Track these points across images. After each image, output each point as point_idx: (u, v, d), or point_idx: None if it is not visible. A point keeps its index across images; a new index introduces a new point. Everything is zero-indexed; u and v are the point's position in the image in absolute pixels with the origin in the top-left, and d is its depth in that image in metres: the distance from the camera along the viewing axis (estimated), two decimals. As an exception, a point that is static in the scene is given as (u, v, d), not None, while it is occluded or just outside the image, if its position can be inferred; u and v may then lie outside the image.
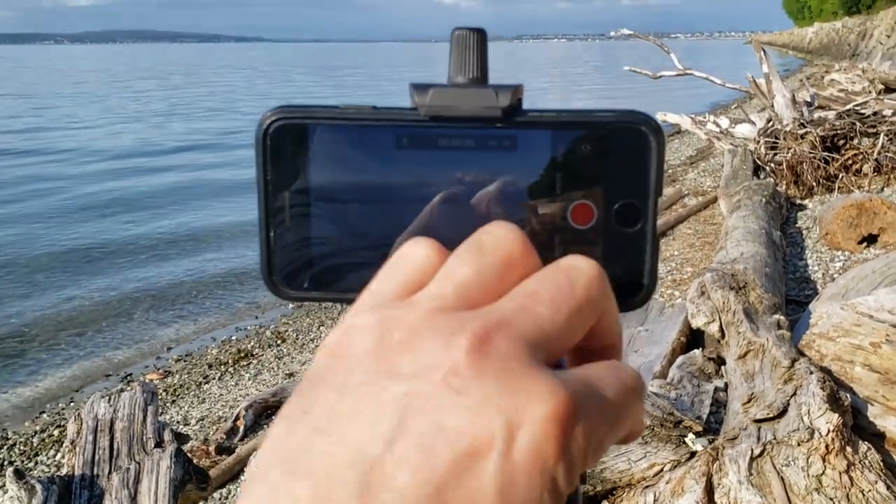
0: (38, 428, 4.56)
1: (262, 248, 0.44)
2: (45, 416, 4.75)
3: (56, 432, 4.42)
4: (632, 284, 0.44)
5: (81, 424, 2.85)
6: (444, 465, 0.25)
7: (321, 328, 5.78)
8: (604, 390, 0.30)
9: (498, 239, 0.34)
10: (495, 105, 0.42)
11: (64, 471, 2.78)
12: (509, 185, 0.43)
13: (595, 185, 0.43)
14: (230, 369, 5.21)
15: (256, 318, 6.30)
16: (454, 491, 0.25)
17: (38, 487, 2.51)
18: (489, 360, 0.27)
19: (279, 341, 5.63)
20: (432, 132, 0.43)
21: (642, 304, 0.44)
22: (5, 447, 4.33)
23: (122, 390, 3.05)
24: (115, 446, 2.75)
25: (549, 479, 0.26)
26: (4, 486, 2.74)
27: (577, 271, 0.34)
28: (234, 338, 5.83)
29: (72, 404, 4.80)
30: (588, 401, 0.28)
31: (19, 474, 2.57)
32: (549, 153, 0.43)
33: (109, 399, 2.95)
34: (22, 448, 4.32)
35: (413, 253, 0.34)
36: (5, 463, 4.10)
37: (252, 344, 5.63)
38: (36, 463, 4.15)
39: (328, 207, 0.44)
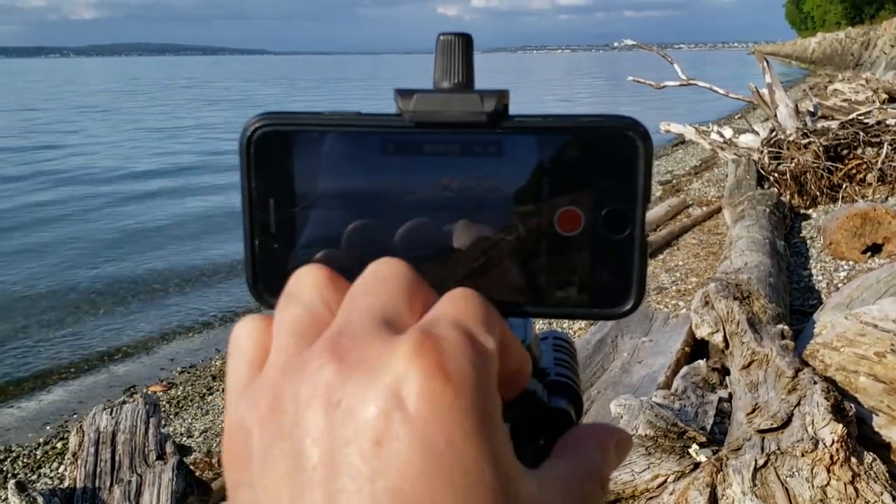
0: (41, 440, 4.55)
1: (246, 256, 0.44)
2: (48, 428, 4.75)
3: (59, 444, 4.41)
4: (620, 292, 0.44)
5: (83, 437, 2.85)
6: (364, 470, 0.26)
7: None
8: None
9: (307, 277, 0.36)
10: (480, 110, 0.41)
11: (66, 483, 2.78)
12: (494, 191, 0.43)
13: (582, 190, 0.42)
14: (234, 381, 5.19)
15: (260, 329, 6.29)
16: (385, 481, 0.25)
17: (40, 500, 2.50)
18: (345, 364, 0.28)
19: (283, 352, 5.62)
20: (418, 138, 0.42)
21: (631, 312, 0.44)
22: (8, 459, 4.33)
23: (124, 402, 3.05)
24: (117, 458, 2.75)
25: (465, 409, 0.26)
26: (7, 498, 2.73)
27: (382, 263, 0.36)
28: (237, 349, 5.82)
29: (75, 416, 4.79)
30: (437, 328, 0.30)
31: (21, 487, 2.57)
32: (535, 158, 0.42)
33: (111, 411, 2.94)
34: (25, 460, 4.31)
35: (240, 334, 0.36)
36: (8, 475, 4.09)
37: (256, 355, 5.62)
38: (39, 475, 4.14)
39: (313, 215, 0.44)
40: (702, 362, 3.36)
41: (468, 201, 0.43)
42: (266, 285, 0.44)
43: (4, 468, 4.23)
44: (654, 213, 7.68)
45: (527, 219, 0.43)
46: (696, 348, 3.76)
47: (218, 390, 5.06)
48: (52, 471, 4.17)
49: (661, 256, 6.42)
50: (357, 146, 0.43)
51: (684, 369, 3.27)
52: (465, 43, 0.43)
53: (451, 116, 0.42)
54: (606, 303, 0.44)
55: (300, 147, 0.43)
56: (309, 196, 0.43)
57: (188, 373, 5.48)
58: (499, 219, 0.43)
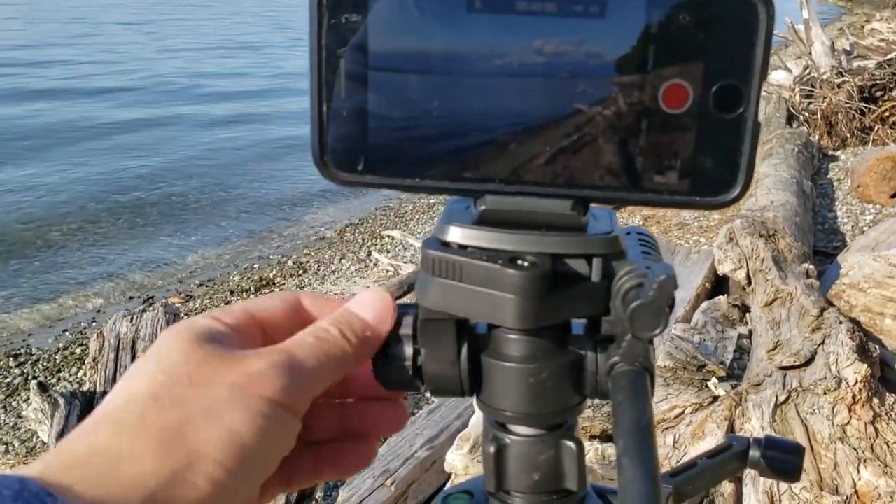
0: (60, 345, 4.62)
1: (312, 123, 0.40)
2: (67, 334, 4.82)
3: (78, 350, 4.48)
4: (726, 179, 0.39)
5: (104, 342, 2.88)
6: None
7: (342, 261, 5.78)
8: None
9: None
10: None
11: (86, 387, 2.81)
12: (594, 57, 0.38)
13: (693, 61, 0.38)
14: (252, 296, 5.23)
15: (279, 247, 6.32)
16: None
17: (61, 401, 2.54)
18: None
19: (301, 271, 5.65)
20: None
21: (737, 201, 0.40)
22: (29, 362, 4.40)
23: (143, 311, 3.07)
24: (137, 365, 2.78)
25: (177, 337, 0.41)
26: (29, 399, 2.78)
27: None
28: (256, 266, 5.85)
29: (94, 324, 4.85)
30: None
31: (43, 387, 2.60)
32: (642, 22, 0.37)
33: (132, 318, 2.97)
34: (45, 364, 4.39)
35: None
36: (29, 377, 4.17)
37: (274, 273, 5.65)
38: (59, 379, 4.21)
39: (389, 78, 0.39)
40: (722, 298, 3.33)
41: (563, 68, 0.38)
42: (334, 159, 0.41)
43: (25, 371, 4.30)
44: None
45: (628, 91, 0.38)
46: (717, 285, 3.73)
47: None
48: (70, 375, 4.24)
49: (684, 192, 6.34)
50: (440, 3, 0.38)
51: (705, 304, 3.25)
52: None
53: None
54: (709, 190, 0.40)
55: (377, 4, 0.38)
56: (384, 57, 0.39)
57: (206, 286, 5.52)
58: (597, 90, 0.38)
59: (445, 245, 0.42)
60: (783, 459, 0.58)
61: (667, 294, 0.37)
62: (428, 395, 0.46)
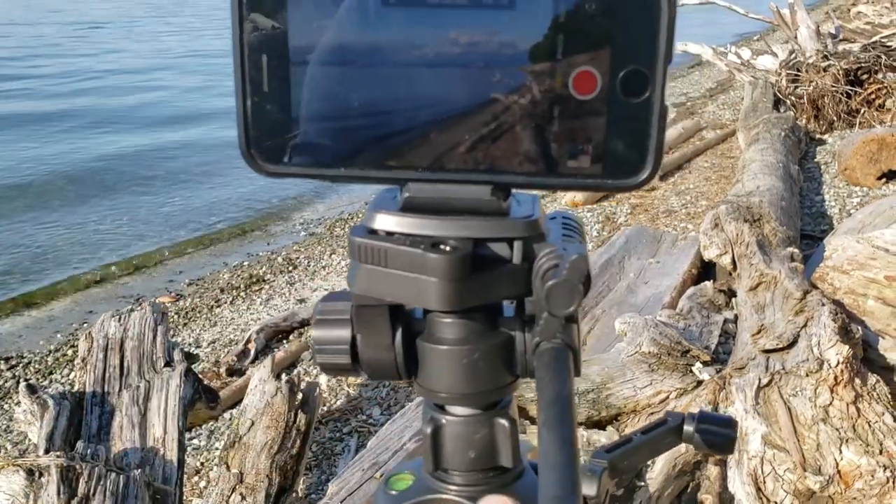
0: (52, 347, 4.62)
1: (238, 118, 0.41)
2: (58, 336, 4.82)
3: (70, 352, 4.47)
4: (635, 161, 0.41)
5: (92, 343, 2.88)
6: None
7: (332, 255, 5.78)
8: None
9: None
10: None
11: (76, 388, 2.82)
12: (506, 47, 0.39)
13: (599, 49, 0.39)
14: (242, 294, 5.24)
15: (268, 244, 6.32)
16: None
17: (51, 402, 2.54)
18: None
19: (291, 268, 5.65)
20: None
21: (646, 184, 0.42)
22: (20, 365, 4.40)
23: (132, 310, 3.07)
24: (126, 364, 2.78)
25: None
26: (20, 402, 2.78)
27: None
28: (245, 263, 5.86)
29: (84, 325, 4.85)
30: None
31: (32, 389, 2.60)
32: (550, 12, 0.39)
33: (120, 318, 2.97)
34: (37, 366, 4.39)
35: None
36: (20, 379, 4.17)
37: (264, 269, 5.65)
38: (51, 381, 4.22)
39: (309, 71, 0.40)
40: (708, 283, 3.35)
41: (477, 58, 0.40)
42: (259, 150, 0.42)
43: (17, 373, 4.30)
44: (666, 135, 7.57)
45: (540, 79, 0.40)
46: (704, 270, 3.75)
47: (226, 303, 5.10)
48: (63, 377, 4.24)
49: (672, 179, 6.36)
50: None
51: (690, 290, 3.27)
52: None
53: None
54: (620, 173, 0.41)
55: (295, 0, 0.39)
56: (305, 52, 0.40)
57: (196, 285, 5.52)
58: (510, 79, 0.40)
59: (372, 232, 0.44)
60: (716, 433, 0.60)
61: (579, 272, 0.38)
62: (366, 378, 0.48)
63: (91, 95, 12.20)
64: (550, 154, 0.41)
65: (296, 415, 2.35)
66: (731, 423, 0.61)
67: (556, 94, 0.40)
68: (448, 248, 0.42)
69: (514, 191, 0.44)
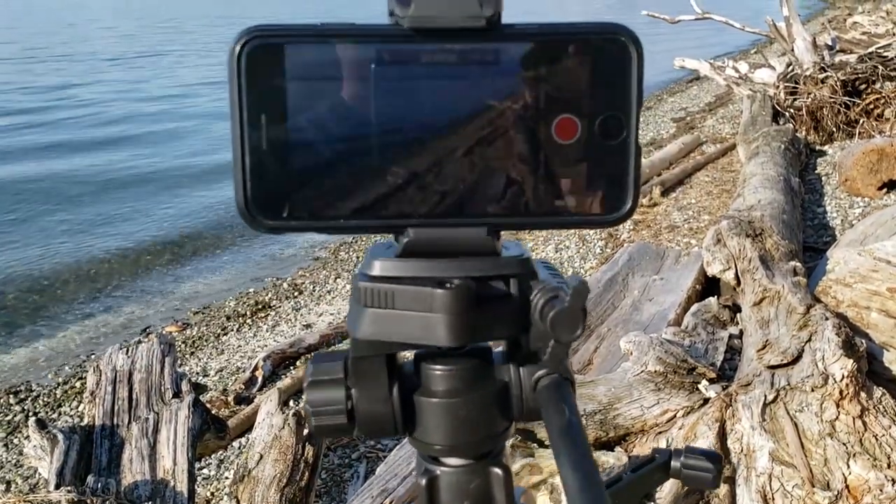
0: (60, 380, 4.63)
1: (236, 176, 0.43)
2: (66, 368, 4.83)
3: (78, 384, 4.49)
4: (616, 198, 0.44)
5: (101, 376, 2.89)
6: None
7: (338, 280, 5.80)
8: None
9: None
10: (479, 14, 0.41)
11: (85, 421, 2.83)
12: (494, 100, 0.42)
13: (578, 98, 0.43)
14: (248, 321, 5.25)
15: (273, 270, 6.34)
16: None
17: (60, 437, 2.55)
18: None
19: (296, 293, 5.67)
20: (414, 47, 0.42)
21: (626, 219, 0.45)
22: (29, 398, 4.41)
23: (139, 342, 3.09)
24: (134, 397, 2.79)
25: None
26: (28, 436, 2.79)
27: None
28: (251, 290, 5.87)
29: (92, 357, 4.87)
30: None
31: (41, 424, 2.62)
32: (531, 67, 0.42)
33: (127, 350, 2.98)
34: (46, 399, 4.40)
35: None
36: (30, 413, 4.18)
37: (270, 296, 5.67)
38: (59, 414, 4.23)
39: (307, 130, 0.43)
40: (713, 299, 3.36)
41: (468, 111, 0.43)
42: (258, 207, 0.44)
43: (26, 407, 4.31)
44: (667, 150, 7.61)
45: (526, 128, 0.43)
46: (708, 286, 3.76)
47: (232, 330, 5.12)
48: (72, 409, 4.25)
49: (673, 195, 6.38)
50: (351, 58, 0.42)
51: (695, 306, 3.28)
52: None
53: (449, 20, 0.41)
54: (604, 209, 0.45)
55: (292, 60, 0.42)
56: (302, 111, 0.42)
57: (203, 313, 5.53)
58: (498, 128, 0.43)
59: (375, 278, 0.45)
60: (702, 468, 0.62)
61: (582, 299, 0.41)
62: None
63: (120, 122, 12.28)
64: (539, 195, 0.44)
65: (304, 447, 2.36)
66: (717, 459, 0.62)
67: (541, 141, 0.43)
68: (453, 285, 0.44)
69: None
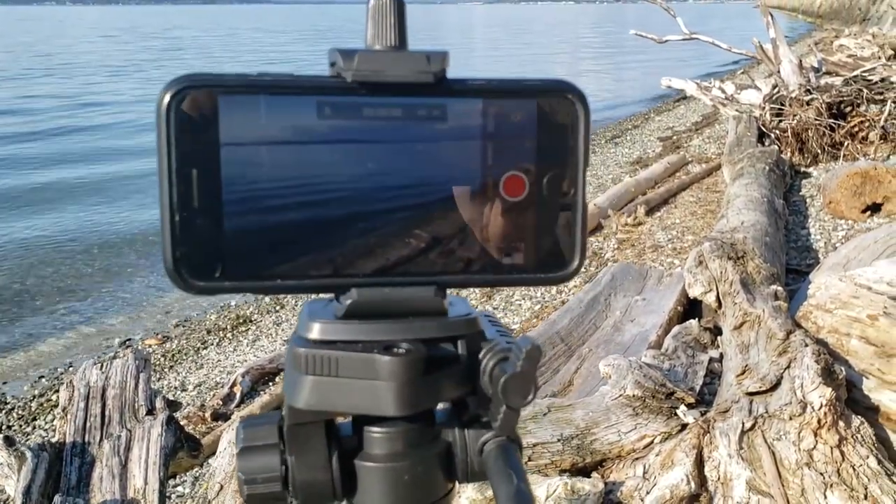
0: (36, 392, 4.57)
1: (164, 234, 0.40)
2: (43, 380, 4.77)
3: (54, 397, 4.42)
4: (564, 256, 0.43)
5: (73, 391, 2.84)
6: None
7: (320, 295, 5.76)
8: None
9: None
10: (427, 70, 0.39)
11: (56, 437, 2.78)
12: (441, 155, 0.41)
13: (526, 155, 0.41)
14: (229, 335, 5.21)
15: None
16: None
17: (29, 455, 2.50)
18: None
19: (278, 307, 5.63)
20: (357, 101, 0.40)
21: (573, 277, 0.43)
22: (3, 411, 4.35)
23: (114, 357, 3.04)
24: (107, 413, 2.75)
25: None
26: (-2, 451, 2.74)
27: None
28: (233, 304, 5.83)
29: (70, 369, 4.81)
30: None
31: (9, 441, 2.57)
32: (479, 123, 0.41)
33: (101, 366, 2.94)
34: (20, 412, 4.33)
35: None
36: (2, 427, 4.12)
37: (251, 310, 5.63)
38: (34, 427, 4.16)
39: (242, 187, 0.40)
40: (694, 322, 3.35)
41: (412, 166, 0.41)
42: (189, 267, 0.41)
43: (0, 419, 4.25)
44: (652, 169, 7.63)
45: (474, 184, 0.41)
46: (690, 307, 3.75)
47: (213, 344, 5.07)
48: (47, 423, 4.19)
49: (658, 214, 6.39)
50: (291, 109, 0.39)
51: (676, 329, 3.26)
52: (397, 5, 0.40)
53: (396, 76, 0.39)
54: (552, 266, 0.43)
55: (226, 112, 0.39)
56: (237, 165, 0.39)
57: (183, 326, 5.48)
58: (445, 185, 0.41)
59: (316, 343, 0.43)
60: None
61: (534, 364, 0.39)
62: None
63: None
64: (487, 253, 0.43)
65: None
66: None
67: (489, 197, 0.41)
68: (402, 351, 0.41)
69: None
